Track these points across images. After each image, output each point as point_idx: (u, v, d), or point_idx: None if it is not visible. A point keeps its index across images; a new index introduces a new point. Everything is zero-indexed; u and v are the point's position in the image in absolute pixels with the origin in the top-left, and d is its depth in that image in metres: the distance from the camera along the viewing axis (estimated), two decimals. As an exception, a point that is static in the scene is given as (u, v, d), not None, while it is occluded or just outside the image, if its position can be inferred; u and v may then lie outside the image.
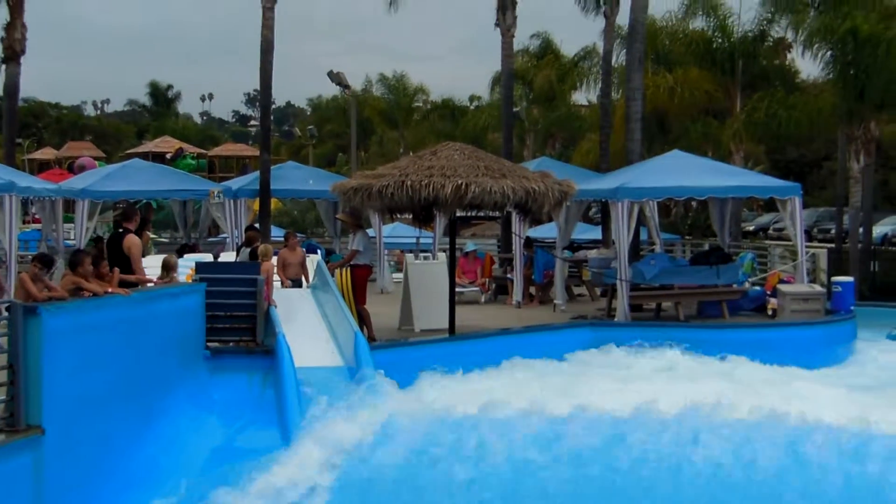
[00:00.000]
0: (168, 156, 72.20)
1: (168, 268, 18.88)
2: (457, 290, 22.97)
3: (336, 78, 54.80)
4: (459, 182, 19.72)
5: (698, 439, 14.75)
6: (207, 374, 17.76)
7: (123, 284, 16.10)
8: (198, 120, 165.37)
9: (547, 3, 55.62)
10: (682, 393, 16.10)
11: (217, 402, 17.19)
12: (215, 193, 29.38)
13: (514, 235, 27.62)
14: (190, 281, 19.28)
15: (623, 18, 34.75)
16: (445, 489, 14.46)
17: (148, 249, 23.59)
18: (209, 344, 18.28)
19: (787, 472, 14.09)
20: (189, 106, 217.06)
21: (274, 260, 21.18)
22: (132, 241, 17.78)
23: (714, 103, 45.84)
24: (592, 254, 27.74)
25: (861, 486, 13.73)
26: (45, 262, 14.83)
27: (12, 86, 35.90)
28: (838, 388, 19.24)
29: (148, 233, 24.83)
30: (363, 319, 20.92)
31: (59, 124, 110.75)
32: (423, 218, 22.97)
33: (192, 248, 29.46)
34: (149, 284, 17.37)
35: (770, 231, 54.10)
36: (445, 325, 21.45)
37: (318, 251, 27.66)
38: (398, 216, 24.53)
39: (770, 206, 50.90)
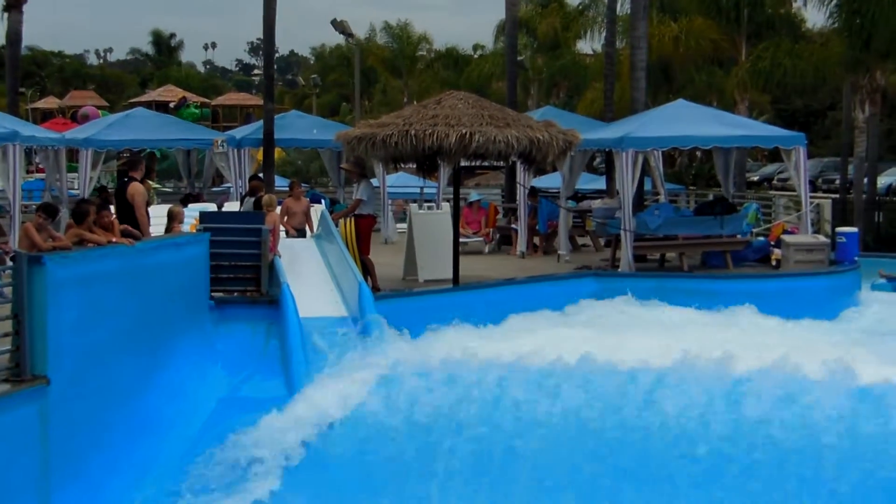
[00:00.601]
0: (171, 105, 71.97)
1: (172, 218, 18.90)
2: (461, 240, 22.95)
3: (340, 26, 54.65)
4: (464, 131, 19.66)
5: (700, 391, 14.78)
6: (212, 325, 17.79)
7: (128, 235, 16.13)
8: (201, 69, 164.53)
9: (551, -49, 55.43)
10: (686, 343, 16.10)
11: (221, 353, 17.25)
12: (219, 143, 29.31)
13: (518, 185, 27.56)
14: (194, 231, 19.28)
15: (628, -34, 34.60)
16: (450, 439, 14.54)
17: (150, 198, 23.58)
18: (213, 294, 18.31)
19: (789, 424, 14.13)
20: (192, 55, 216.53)
21: (278, 209, 21.17)
22: (135, 188, 17.85)
23: (719, 52, 45.71)
24: (597, 204, 27.68)
25: (863, 437, 13.78)
26: (50, 212, 14.85)
27: (15, 34, 35.74)
28: (841, 338, 19.25)
29: (150, 182, 24.77)
30: (367, 269, 20.92)
31: (61, 73, 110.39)
32: (427, 167, 22.89)
33: (196, 198, 29.38)
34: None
35: (774, 181, 54.03)
36: (449, 275, 21.45)
37: (323, 201, 27.61)
38: (402, 166, 24.45)
39: (775, 156, 51.01)
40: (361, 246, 21.19)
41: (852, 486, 13.26)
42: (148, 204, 19.10)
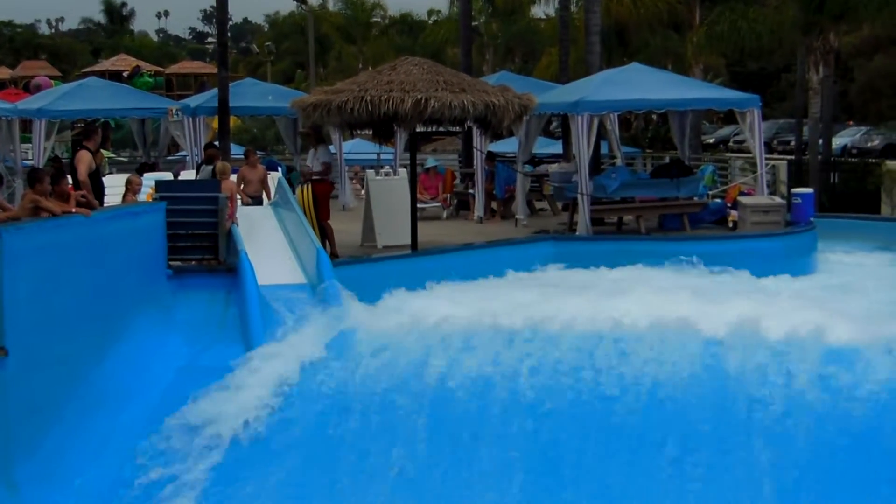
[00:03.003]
0: (125, 74, 71.48)
1: (129, 188, 18.86)
2: (418, 206, 22.94)
3: (293, -7, 54.33)
4: (419, 97, 19.63)
5: (661, 354, 14.88)
6: (170, 294, 17.68)
7: (85, 205, 16.01)
8: (154, 37, 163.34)
9: (506, -86, 55.25)
10: (644, 307, 16.20)
11: (180, 321, 17.14)
12: (174, 111, 29.13)
13: (475, 150, 27.57)
14: (150, 200, 19.17)
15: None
16: (408, 403, 14.57)
17: (103, 168, 23.40)
18: (171, 263, 18.22)
19: (747, 383, 14.26)
20: (145, 23, 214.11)
21: (233, 177, 21.08)
22: (80, 156, 17.86)
23: (674, 16, 45.78)
24: (553, 168, 27.71)
25: (821, 394, 13.93)
26: (-7, 179, 14.67)
27: (-36, 4, 35.37)
28: (797, 298, 19.39)
29: (103, 151, 24.62)
30: (326, 235, 20.92)
31: (12, 43, 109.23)
32: (383, 134, 22.88)
33: (152, 167, 29.25)
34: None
35: (730, 143, 54.30)
36: (408, 241, 21.45)
37: (279, 168, 27.53)
38: (358, 132, 24.44)
39: (730, 118, 51.16)
40: (320, 212, 21.18)
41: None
42: (100, 174, 18.99)
